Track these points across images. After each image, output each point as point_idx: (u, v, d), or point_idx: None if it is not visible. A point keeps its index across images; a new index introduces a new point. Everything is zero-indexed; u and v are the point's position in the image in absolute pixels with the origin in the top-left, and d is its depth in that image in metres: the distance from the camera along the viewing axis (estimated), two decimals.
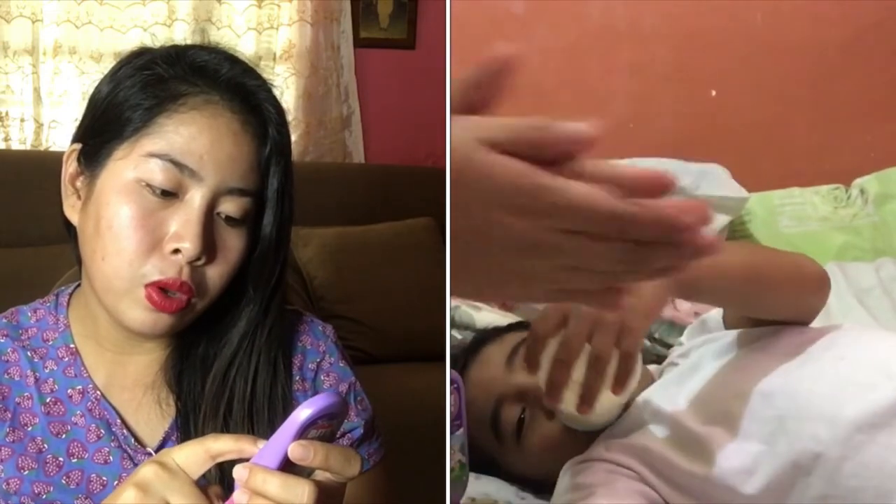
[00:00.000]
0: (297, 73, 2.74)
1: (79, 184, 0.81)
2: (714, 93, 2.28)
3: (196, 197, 0.77)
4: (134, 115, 0.78)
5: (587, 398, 0.86)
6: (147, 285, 0.76)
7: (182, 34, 2.52)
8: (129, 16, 2.55)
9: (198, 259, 0.77)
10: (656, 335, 1.55)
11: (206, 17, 2.61)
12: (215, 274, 0.79)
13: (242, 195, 0.79)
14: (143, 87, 0.79)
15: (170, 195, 0.77)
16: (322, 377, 0.91)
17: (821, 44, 2.24)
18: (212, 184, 0.77)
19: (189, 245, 0.76)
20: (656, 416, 1.01)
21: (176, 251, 0.76)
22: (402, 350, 2.30)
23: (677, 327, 1.52)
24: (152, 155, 0.76)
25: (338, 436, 0.89)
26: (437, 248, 2.50)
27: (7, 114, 2.50)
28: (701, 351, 1.12)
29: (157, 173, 0.76)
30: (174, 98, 0.78)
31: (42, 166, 2.26)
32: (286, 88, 2.71)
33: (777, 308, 1.06)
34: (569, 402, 0.97)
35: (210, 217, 0.78)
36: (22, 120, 2.51)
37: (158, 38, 0.86)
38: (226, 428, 0.81)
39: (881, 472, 0.86)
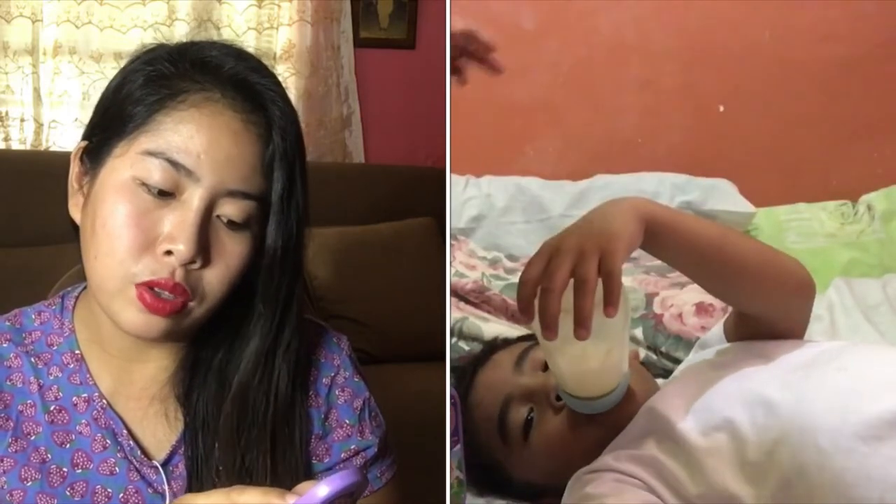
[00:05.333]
0: (297, 73, 2.74)
1: (84, 182, 0.80)
2: (722, 108, 2.28)
3: (193, 197, 0.75)
4: (135, 111, 0.77)
5: (580, 320, 0.87)
6: (138, 285, 0.74)
7: (182, 34, 2.52)
8: (129, 16, 2.55)
9: (191, 262, 0.75)
10: (663, 349, 1.55)
11: (206, 17, 2.61)
12: (214, 279, 0.77)
13: (244, 198, 0.77)
14: (146, 84, 0.77)
15: (166, 195, 0.75)
16: (336, 392, 0.89)
17: (828, 60, 2.25)
18: (209, 184, 0.75)
19: (182, 247, 0.74)
20: (661, 424, 1.01)
21: (169, 252, 0.74)
22: (402, 350, 2.29)
23: (684, 341, 1.53)
24: (149, 153, 0.75)
25: (351, 454, 0.89)
26: (437, 248, 2.50)
27: (7, 114, 2.50)
28: (702, 362, 1.12)
29: (153, 172, 0.74)
30: (174, 95, 0.76)
31: (42, 166, 2.26)
32: (286, 89, 2.70)
33: (750, 298, 1.06)
34: (571, 380, 1.03)
35: (207, 219, 0.76)
36: (22, 120, 2.50)
37: (164, 36, 0.83)
38: (242, 458, 0.79)
39: (884, 484, 0.86)
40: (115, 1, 2.54)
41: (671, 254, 1.01)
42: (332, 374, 0.90)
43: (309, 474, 0.86)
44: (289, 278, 0.82)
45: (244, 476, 0.79)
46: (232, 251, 0.78)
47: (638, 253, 0.97)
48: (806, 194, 2.15)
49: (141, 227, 0.74)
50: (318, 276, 2.39)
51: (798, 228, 2.08)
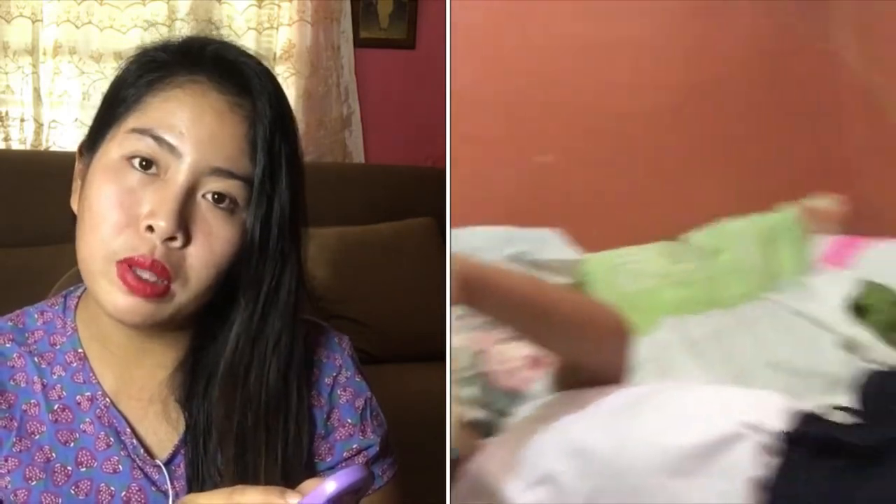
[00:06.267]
0: (297, 73, 2.74)
1: (84, 175, 0.81)
2: (547, 158, 2.28)
3: (175, 174, 0.75)
4: (127, 94, 0.79)
5: None
6: (119, 263, 0.74)
7: (182, 34, 2.52)
8: (129, 16, 2.55)
9: (172, 238, 0.74)
10: (496, 406, 1.52)
11: (206, 17, 2.61)
12: (197, 261, 0.76)
13: (230, 177, 0.77)
14: (138, 69, 0.80)
15: (151, 173, 0.75)
16: (338, 392, 0.90)
17: (651, 108, 2.30)
18: (192, 161, 0.76)
19: (162, 223, 0.73)
20: (484, 485, 1.01)
21: (150, 229, 0.74)
22: (402, 350, 2.30)
23: (517, 396, 1.51)
24: (135, 130, 0.76)
25: (353, 453, 0.90)
26: (437, 248, 2.51)
27: (7, 114, 2.49)
28: (526, 417, 1.12)
29: (138, 148, 0.76)
30: (163, 77, 0.78)
31: (42, 166, 2.27)
32: (286, 88, 2.70)
33: (567, 347, 1.08)
34: None
35: (190, 197, 0.76)
36: (22, 120, 2.50)
37: (163, 37, 0.85)
38: (242, 456, 0.79)
39: None
40: (115, 1, 2.54)
41: (488, 309, 1.00)
42: (334, 374, 0.90)
43: (311, 474, 0.86)
44: (272, 269, 0.81)
45: (245, 475, 0.79)
46: (217, 233, 0.77)
47: (465, 310, 0.96)
48: (634, 237, 2.18)
49: (124, 206, 0.75)
50: (318, 276, 2.38)
51: (629, 271, 2.10)
